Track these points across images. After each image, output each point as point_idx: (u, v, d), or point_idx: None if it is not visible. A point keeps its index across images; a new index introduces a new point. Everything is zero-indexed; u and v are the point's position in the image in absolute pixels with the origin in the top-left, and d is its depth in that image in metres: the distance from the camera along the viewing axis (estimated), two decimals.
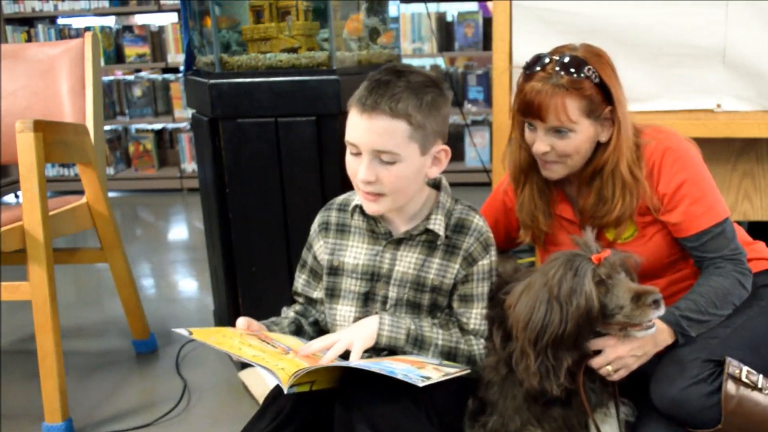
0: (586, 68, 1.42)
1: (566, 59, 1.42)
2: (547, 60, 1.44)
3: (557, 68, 1.42)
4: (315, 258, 1.56)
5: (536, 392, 1.35)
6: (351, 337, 1.33)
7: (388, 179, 1.35)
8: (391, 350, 1.39)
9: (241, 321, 1.43)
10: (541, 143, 1.47)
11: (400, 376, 1.18)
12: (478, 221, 1.47)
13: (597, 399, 1.41)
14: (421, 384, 1.18)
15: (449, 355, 1.42)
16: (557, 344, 1.31)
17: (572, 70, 1.41)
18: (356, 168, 1.37)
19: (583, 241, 1.35)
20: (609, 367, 1.36)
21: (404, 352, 1.38)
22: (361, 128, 1.34)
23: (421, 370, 1.25)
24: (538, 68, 1.44)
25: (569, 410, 1.40)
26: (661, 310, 1.30)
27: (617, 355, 1.35)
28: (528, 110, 1.46)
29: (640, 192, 1.49)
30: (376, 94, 1.33)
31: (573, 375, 1.34)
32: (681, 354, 1.42)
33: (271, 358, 1.27)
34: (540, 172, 1.56)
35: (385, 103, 1.32)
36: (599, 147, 1.50)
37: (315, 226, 1.57)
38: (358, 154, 1.37)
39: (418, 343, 1.39)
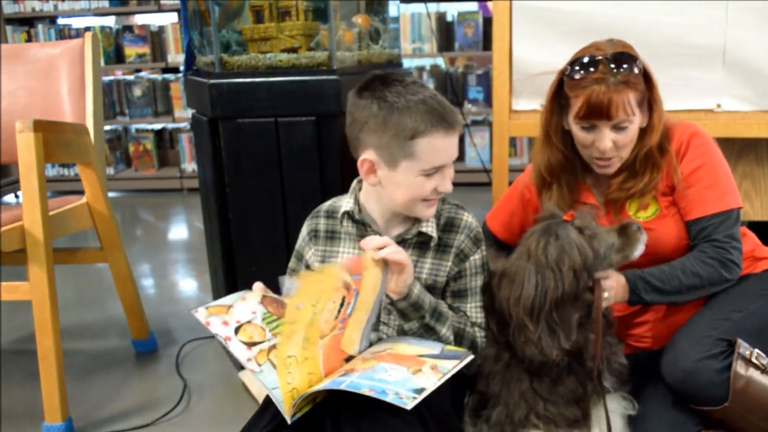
0: (636, 62, 1.48)
1: (616, 56, 1.47)
2: (597, 59, 1.47)
3: (612, 66, 1.46)
4: (308, 267, 1.55)
5: (538, 363, 1.38)
6: (406, 259, 1.32)
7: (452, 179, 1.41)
8: (412, 311, 1.37)
9: (258, 285, 1.39)
10: (605, 141, 1.51)
11: (390, 399, 1.15)
12: (467, 218, 1.49)
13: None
14: (409, 406, 1.14)
15: (457, 335, 1.43)
16: (560, 305, 1.36)
17: (626, 66, 1.46)
18: (432, 186, 1.38)
19: (549, 211, 1.44)
20: (611, 293, 1.45)
21: (422, 318, 1.38)
22: (449, 146, 1.36)
23: (417, 376, 1.22)
24: (591, 70, 1.47)
25: (575, 382, 1.42)
26: (645, 235, 1.45)
27: (613, 285, 1.47)
28: (595, 112, 1.48)
29: (666, 161, 1.55)
30: (446, 110, 1.34)
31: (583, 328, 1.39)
32: (695, 331, 1.46)
33: (285, 370, 1.26)
34: (570, 172, 1.62)
35: (454, 114, 1.35)
36: (640, 132, 1.55)
37: (304, 234, 1.56)
38: (436, 171, 1.37)
39: (436, 314, 1.40)
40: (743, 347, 1.41)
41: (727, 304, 1.52)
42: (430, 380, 1.22)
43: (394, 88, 1.35)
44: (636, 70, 1.47)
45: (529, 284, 1.36)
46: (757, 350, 1.41)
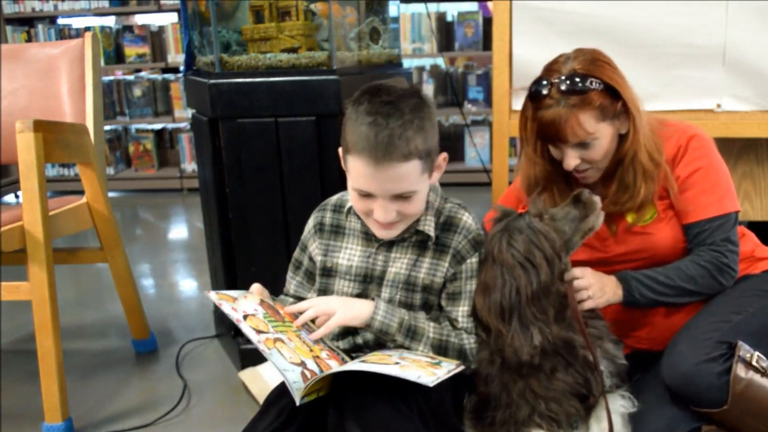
0: (588, 81, 1.44)
1: (566, 80, 1.44)
2: (548, 84, 1.46)
3: (561, 92, 1.44)
4: (311, 259, 1.55)
5: (516, 364, 1.38)
6: (335, 307, 1.36)
7: (407, 210, 1.36)
8: (381, 336, 1.39)
9: (256, 287, 1.45)
10: (570, 159, 1.51)
11: (413, 378, 1.19)
12: (467, 219, 1.47)
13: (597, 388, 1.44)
14: (432, 384, 1.19)
15: (440, 348, 1.41)
16: (537, 299, 1.35)
17: (576, 89, 1.44)
18: (368, 207, 1.36)
19: (500, 210, 1.45)
20: (590, 292, 1.44)
21: (394, 341, 1.39)
22: (375, 179, 1.30)
23: (427, 371, 1.26)
24: (543, 94, 1.46)
25: (574, 376, 1.42)
26: (598, 196, 1.44)
27: (591, 282, 1.45)
28: (548, 136, 1.49)
29: (661, 175, 1.53)
30: (385, 140, 1.26)
31: (562, 321, 1.40)
32: (695, 333, 1.46)
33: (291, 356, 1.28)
34: (558, 180, 1.61)
35: (396, 150, 1.26)
36: (620, 138, 1.53)
37: (310, 226, 1.56)
38: (368, 196, 1.35)
39: (410, 334, 1.39)
40: (744, 350, 1.40)
41: (726, 306, 1.51)
42: (439, 372, 1.26)
43: (375, 99, 1.32)
44: (585, 93, 1.43)
45: (495, 290, 1.36)
46: (757, 353, 1.41)
